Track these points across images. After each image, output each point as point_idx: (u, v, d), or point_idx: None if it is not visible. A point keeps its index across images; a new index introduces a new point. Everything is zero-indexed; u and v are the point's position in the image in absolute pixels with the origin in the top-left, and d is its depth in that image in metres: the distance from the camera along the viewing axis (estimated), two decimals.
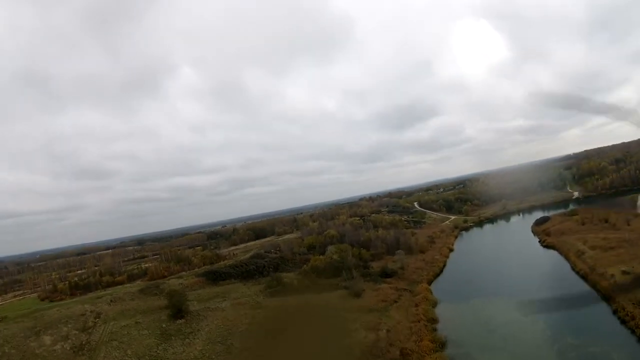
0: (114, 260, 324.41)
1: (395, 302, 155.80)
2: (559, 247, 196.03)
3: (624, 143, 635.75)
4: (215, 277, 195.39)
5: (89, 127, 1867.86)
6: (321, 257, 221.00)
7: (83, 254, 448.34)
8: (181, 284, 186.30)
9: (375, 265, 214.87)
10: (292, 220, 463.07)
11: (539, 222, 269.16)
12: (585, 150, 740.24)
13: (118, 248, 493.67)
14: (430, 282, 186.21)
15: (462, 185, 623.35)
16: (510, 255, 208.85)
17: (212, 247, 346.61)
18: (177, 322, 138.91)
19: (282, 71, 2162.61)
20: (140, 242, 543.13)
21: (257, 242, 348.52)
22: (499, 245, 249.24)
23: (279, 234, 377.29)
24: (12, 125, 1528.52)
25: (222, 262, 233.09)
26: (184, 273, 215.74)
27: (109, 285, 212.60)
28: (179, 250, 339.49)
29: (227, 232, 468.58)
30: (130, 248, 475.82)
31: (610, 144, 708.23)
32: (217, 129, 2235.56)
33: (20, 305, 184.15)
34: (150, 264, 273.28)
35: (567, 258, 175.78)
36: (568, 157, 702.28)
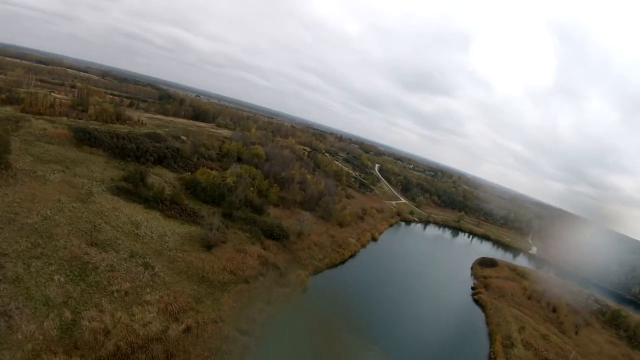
0: (26, 76, 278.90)
1: (247, 282, 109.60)
2: (489, 313, 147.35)
3: None
4: (82, 138, 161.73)
5: None
6: (212, 171, 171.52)
7: (44, 64, 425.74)
8: (44, 129, 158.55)
9: (273, 214, 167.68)
10: (245, 118, 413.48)
11: (483, 263, 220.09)
12: (561, 210, 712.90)
13: (80, 71, 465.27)
14: (317, 272, 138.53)
15: (433, 174, 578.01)
16: (431, 290, 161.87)
17: (128, 105, 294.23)
18: None
19: None
20: (105, 75, 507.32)
21: (185, 121, 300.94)
22: (427, 265, 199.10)
23: (218, 125, 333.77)
24: None
25: (114, 125, 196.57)
26: (64, 118, 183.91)
27: None
28: (95, 90, 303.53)
29: (178, 99, 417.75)
30: (93, 77, 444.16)
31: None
32: None
33: None
34: (57, 94, 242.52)
35: (490, 337, 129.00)
36: (542, 205, 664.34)
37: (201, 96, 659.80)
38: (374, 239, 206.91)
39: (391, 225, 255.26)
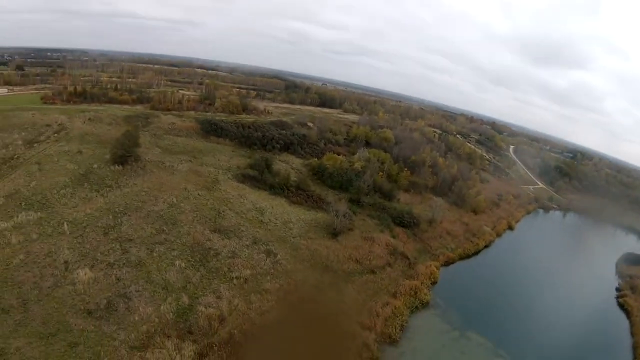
0: (155, 77, 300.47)
1: (373, 272, 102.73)
2: (634, 320, 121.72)
3: None
4: (209, 130, 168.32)
5: None
6: (339, 157, 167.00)
7: (175, 66, 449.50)
8: (172, 123, 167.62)
9: (403, 200, 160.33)
10: (372, 102, 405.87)
11: (629, 259, 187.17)
12: None
13: (209, 70, 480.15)
14: (448, 263, 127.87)
15: (571, 156, 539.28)
16: (570, 289, 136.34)
17: (254, 96, 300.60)
18: (112, 167, 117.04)
19: None
20: (232, 71, 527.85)
21: (311, 108, 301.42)
22: (566, 259, 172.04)
23: (345, 111, 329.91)
24: None
25: (240, 116, 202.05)
26: (191, 112, 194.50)
27: (109, 101, 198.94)
28: (221, 85, 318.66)
29: (303, 87, 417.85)
30: (222, 73, 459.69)
31: None
32: None
33: (15, 100, 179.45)
34: (186, 91, 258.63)
35: (635, 351, 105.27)
36: None
37: (327, 84, 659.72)
38: (510, 228, 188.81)
39: (528, 213, 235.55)
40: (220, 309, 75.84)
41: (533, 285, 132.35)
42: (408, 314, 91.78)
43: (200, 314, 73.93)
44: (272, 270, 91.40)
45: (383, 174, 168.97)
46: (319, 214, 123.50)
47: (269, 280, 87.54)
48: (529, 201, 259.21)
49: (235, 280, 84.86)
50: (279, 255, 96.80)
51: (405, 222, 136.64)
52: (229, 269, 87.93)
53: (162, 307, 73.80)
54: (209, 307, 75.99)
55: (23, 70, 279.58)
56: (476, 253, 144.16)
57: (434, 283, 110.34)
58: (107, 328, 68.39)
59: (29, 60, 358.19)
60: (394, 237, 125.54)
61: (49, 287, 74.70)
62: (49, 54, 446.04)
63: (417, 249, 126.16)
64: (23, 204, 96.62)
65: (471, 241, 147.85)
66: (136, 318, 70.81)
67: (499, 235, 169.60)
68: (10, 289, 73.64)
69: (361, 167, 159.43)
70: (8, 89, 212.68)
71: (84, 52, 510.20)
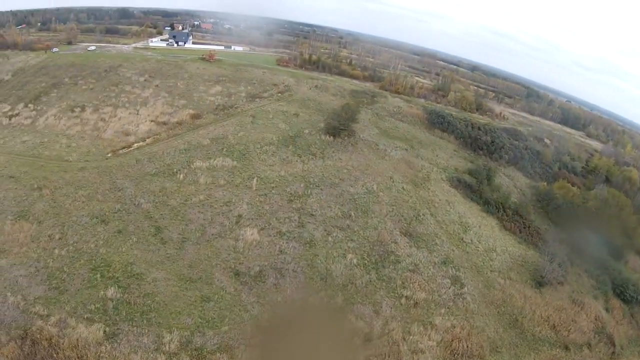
0: (393, 60, 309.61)
1: (566, 348, 79.23)
2: None
3: None
4: (435, 121, 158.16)
5: None
6: (572, 187, 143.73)
7: (417, 55, 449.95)
8: (398, 107, 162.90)
9: (631, 264, 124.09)
10: (620, 132, 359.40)
11: None
12: None
13: (451, 64, 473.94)
14: None
15: None
16: None
17: (491, 98, 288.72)
18: (323, 137, 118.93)
19: None
20: (474, 68, 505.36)
21: (550, 123, 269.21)
22: None
23: (588, 135, 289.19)
24: None
25: (472, 115, 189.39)
26: (421, 100, 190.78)
27: (340, 73, 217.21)
28: (459, 79, 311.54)
29: (546, 99, 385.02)
30: (462, 69, 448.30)
31: None
32: None
33: (252, 58, 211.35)
34: (421, 79, 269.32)
35: None
36: None
37: (572, 102, 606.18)
38: None
39: None
40: (371, 327, 65.42)
41: None
42: None
43: (346, 322, 65.28)
44: (451, 304, 76.20)
45: (618, 223, 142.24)
46: (529, 252, 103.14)
47: (442, 314, 72.95)
48: None
49: (403, 300, 72.59)
50: (465, 288, 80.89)
51: (627, 295, 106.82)
52: (402, 283, 75.93)
53: (310, 299, 67.48)
54: (361, 319, 66.34)
55: (271, 35, 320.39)
56: None
57: None
58: (245, 297, 66.33)
59: (281, 29, 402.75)
60: (607, 310, 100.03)
61: (212, 234, 75.27)
62: (300, 26, 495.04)
63: (628, 335, 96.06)
64: (225, 150, 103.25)
65: None
66: (279, 299, 66.51)
67: None
68: (177, 222, 77.26)
69: (595, 208, 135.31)
70: (250, 48, 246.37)
71: (333, 30, 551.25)
